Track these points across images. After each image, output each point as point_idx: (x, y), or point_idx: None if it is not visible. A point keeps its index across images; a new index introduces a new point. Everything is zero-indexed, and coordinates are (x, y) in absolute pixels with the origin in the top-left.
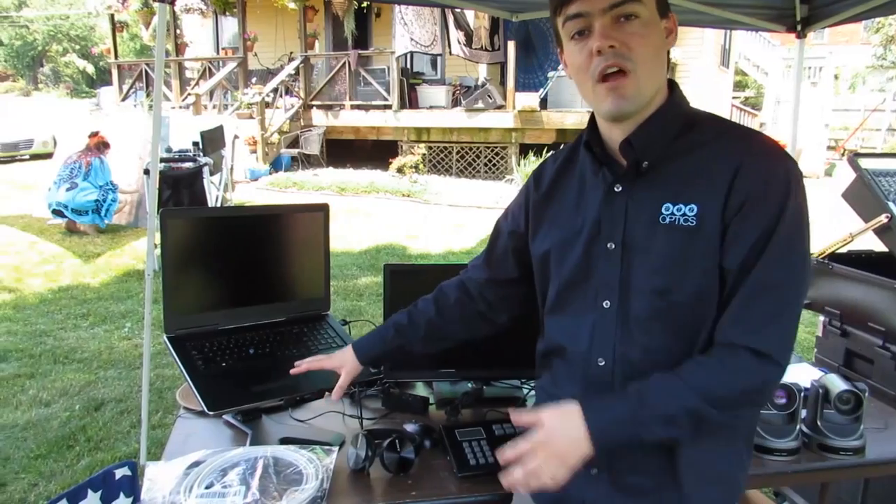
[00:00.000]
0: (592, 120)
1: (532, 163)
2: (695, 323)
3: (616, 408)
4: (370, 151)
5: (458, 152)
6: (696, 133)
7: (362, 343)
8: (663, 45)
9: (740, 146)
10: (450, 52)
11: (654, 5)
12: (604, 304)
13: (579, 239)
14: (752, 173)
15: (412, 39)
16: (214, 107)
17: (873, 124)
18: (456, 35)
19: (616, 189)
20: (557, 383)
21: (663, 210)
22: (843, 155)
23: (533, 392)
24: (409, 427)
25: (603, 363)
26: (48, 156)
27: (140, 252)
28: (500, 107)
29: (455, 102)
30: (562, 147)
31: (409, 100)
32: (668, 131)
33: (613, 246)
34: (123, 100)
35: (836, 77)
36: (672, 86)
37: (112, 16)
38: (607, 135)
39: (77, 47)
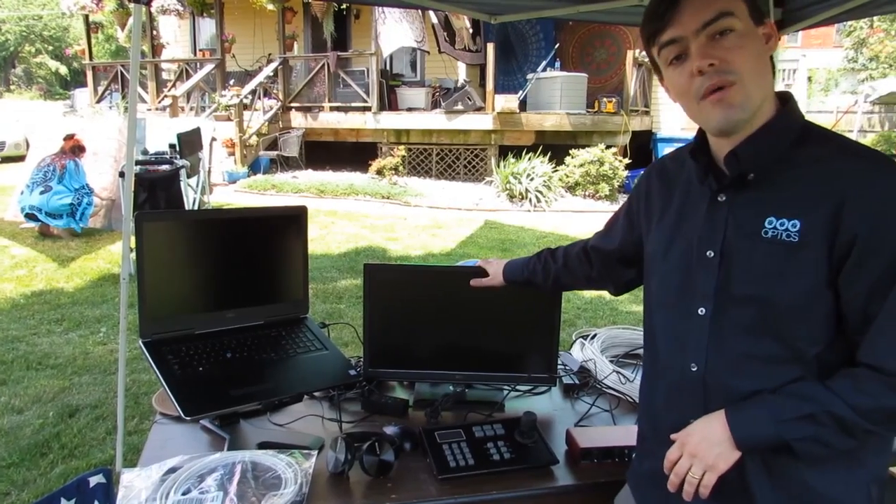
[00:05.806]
0: (702, 130)
1: (512, 164)
2: (792, 336)
3: (754, 408)
4: (349, 153)
5: (437, 154)
6: (811, 147)
7: (511, 267)
8: (764, 51)
9: (858, 164)
10: (439, 50)
11: (748, 14)
12: (699, 311)
13: (681, 244)
14: (868, 196)
15: (405, 34)
16: (192, 109)
17: (845, 126)
18: (442, 34)
19: (720, 199)
20: (648, 380)
21: (766, 224)
22: None
23: (511, 394)
24: (389, 430)
25: (695, 368)
26: (20, 158)
27: (115, 256)
28: (480, 108)
29: (434, 104)
30: (677, 147)
31: (389, 101)
32: (777, 145)
33: (712, 254)
34: (98, 101)
35: (809, 79)
36: (785, 98)
37: (86, 16)
38: (715, 146)
39: (50, 48)
